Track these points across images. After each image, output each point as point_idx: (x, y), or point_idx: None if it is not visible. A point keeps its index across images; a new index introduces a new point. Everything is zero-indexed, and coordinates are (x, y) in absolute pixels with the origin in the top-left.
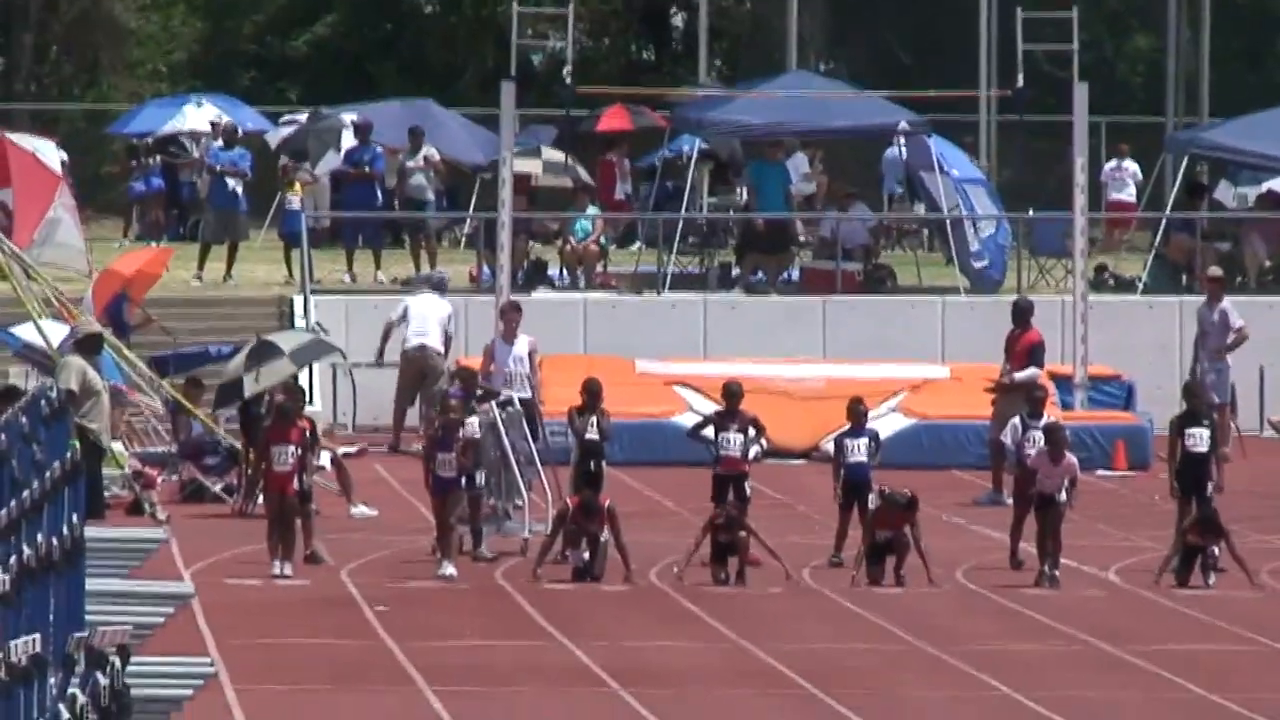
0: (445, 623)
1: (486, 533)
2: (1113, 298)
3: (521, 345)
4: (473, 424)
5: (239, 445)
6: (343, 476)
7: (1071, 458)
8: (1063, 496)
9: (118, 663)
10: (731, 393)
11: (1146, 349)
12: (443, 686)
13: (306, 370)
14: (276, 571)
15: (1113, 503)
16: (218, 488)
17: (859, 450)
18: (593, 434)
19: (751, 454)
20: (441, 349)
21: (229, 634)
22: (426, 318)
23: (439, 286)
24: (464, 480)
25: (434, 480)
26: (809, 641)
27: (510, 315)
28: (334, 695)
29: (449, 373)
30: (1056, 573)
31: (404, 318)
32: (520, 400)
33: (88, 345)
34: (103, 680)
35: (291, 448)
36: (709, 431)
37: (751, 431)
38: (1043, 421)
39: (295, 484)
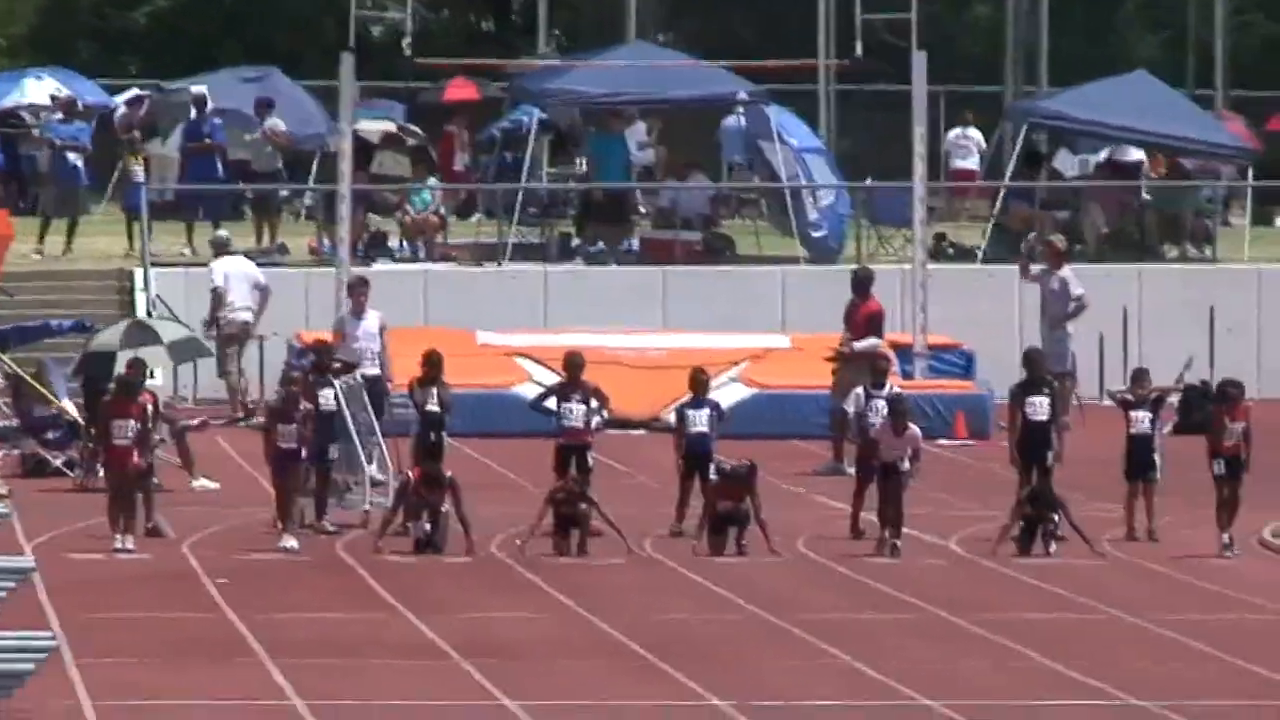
0: (287, 596)
1: (328, 505)
2: (952, 267)
3: (372, 321)
4: (327, 396)
5: (80, 420)
6: (184, 449)
7: (915, 429)
8: (905, 466)
9: None
10: (573, 364)
11: (986, 318)
12: (287, 659)
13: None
14: (118, 545)
15: (954, 472)
16: (59, 462)
17: (700, 421)
18: (433, 405)
19: (594, 424)
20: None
21: (71, 608)
22: (243, 284)
23: (224, 247)
24: (305, 453)
25: (274, 452)
26: (652, 613)
27: (359, 290)
28: (177, 669)
29: (295, 347)
30: (898, 542)
31: (225, 286)
32: (368, 376)
33: None
34: None
35: (132, 422)
36: (551, 402)
37: (594, 402)
38: (886, 391)
39: (136, 458)
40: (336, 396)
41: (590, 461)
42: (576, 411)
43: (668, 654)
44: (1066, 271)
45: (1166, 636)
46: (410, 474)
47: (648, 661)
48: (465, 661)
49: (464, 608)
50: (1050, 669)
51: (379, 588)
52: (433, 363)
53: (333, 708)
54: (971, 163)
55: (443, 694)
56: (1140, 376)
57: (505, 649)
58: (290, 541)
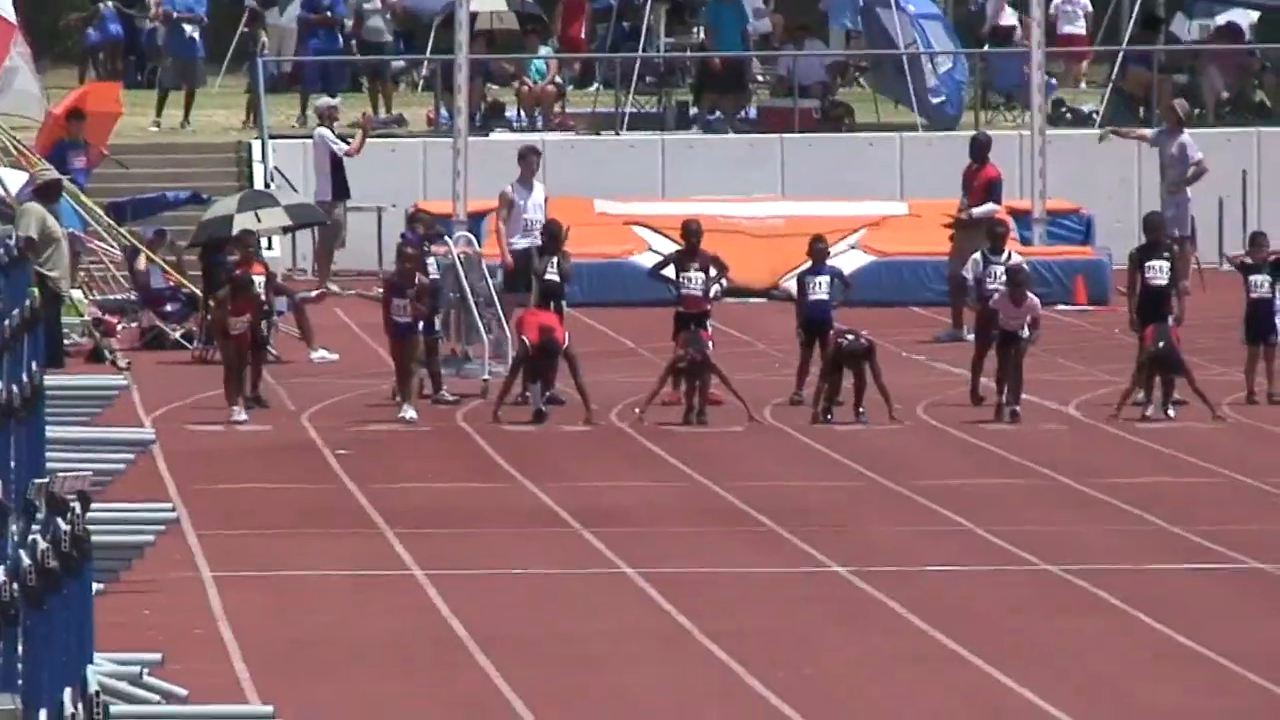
0: (406, 466)
1: (446, 375)
2: (1070, 132)
3: (539, 193)
4: (430, 267)
5: (199, 291)
6: (303, 321)
7: (1034, 298)
8: (1025, 333)
9: (78, 509)
10: (692, 231)
11: (1104, 183)
12: (405, 529)
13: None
14: (236, 418)
15: (1073, 337)
16: (177, 334)
17: (820, 288)
18: (552, 274)
19: (712, 293)
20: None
21: (190, 479)
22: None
23: (327, 115)
24: (421, 325)
25: (391, 325)
26: (770, 479)
27: (529, 159)
28: (296, 539)
29: (407, 215)
30: (1017, 408)
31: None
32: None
33: (47, 192)
34: (64, 526)
35: (247, 316)
36: (670, 271)
37: (713, 270)
38: (1004, 257)
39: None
40: (439, 266)
41: (709, 329)
42: (695, 280)
43: (787, 520)
44: (1185, 136)
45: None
46: (528, 342)
47: (766, 528)
48: (584, 529)
49: (582, 476)
50: (1170, 532)
51: (497, 457)
52: (552, 233)
53: (451, 576)
54: (1079, 27)
55: (561, 561)
56: (1259, 240)
57: (623, 516)
58: (410, 412)
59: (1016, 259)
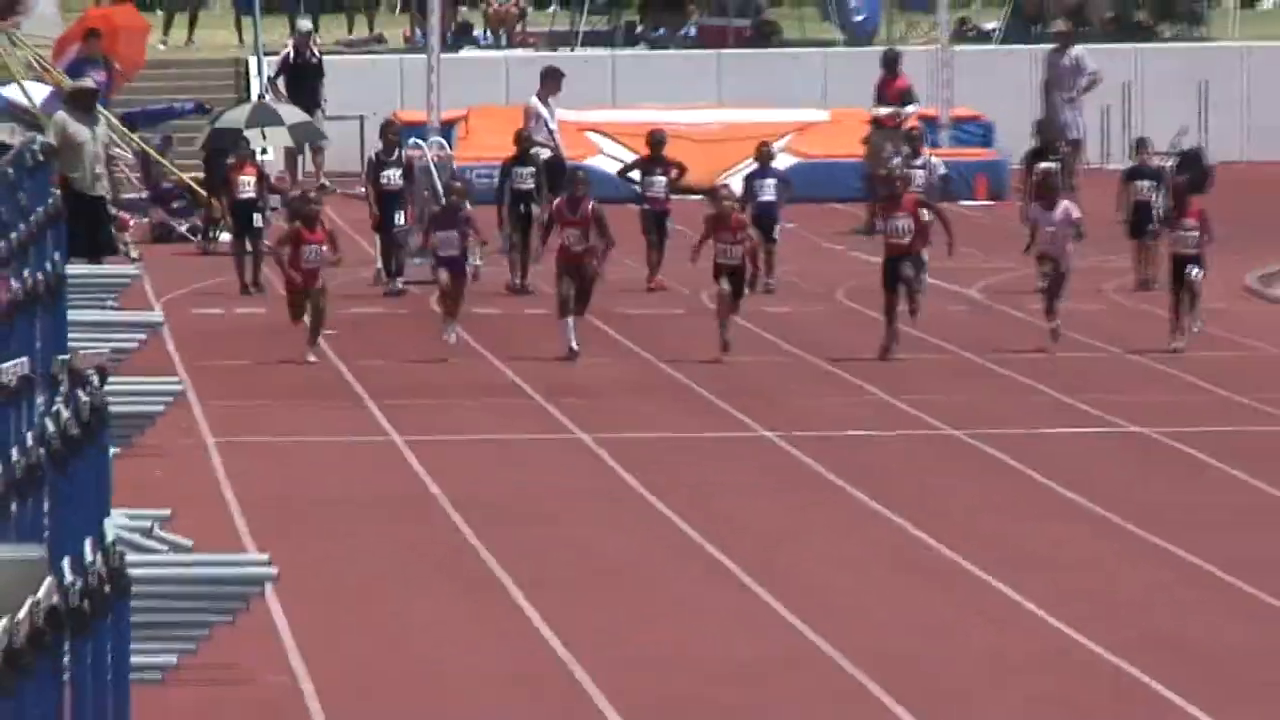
0: (387, 345)
1: (421, 264)
2: (973, 48)
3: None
4: (390, 175)
5: (201, 191)
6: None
7: (1066, 203)
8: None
9: (97, 382)
10: (656, 141)
11: (1003, 93)
12: (386, 400)
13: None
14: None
15: (974, 228)
16: (183, 228)
17: (767, 190)
18: (526, 183)
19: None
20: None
21: (195, 357)
22: None
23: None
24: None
25: (436, 259)
26: (708, 354)
27: (554, 80)
28: (289, 409)
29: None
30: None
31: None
32: (549, 159)
33: (79, 99)
34: (84, 398)
35: (320, 246)
36: (636, 174)
37: (674, 173)
38: (920, 160)
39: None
40: (417, 168)
41: (669, 227)
42: (658, 183)
43: (725, 393)
44: (1078, 50)
45: (1161, 370)
46: (554, 203)
47: (709, 400)
48: (545, 401)
49: (544, 354)
50: (1061, 401)
51: (469, 338)
52: (523, 141)
53: (427, 442)
54: None
55: (524, 429)
56: (1142, 144)
57: (581, 390)
58: (452, 335)
59: (934, 161)
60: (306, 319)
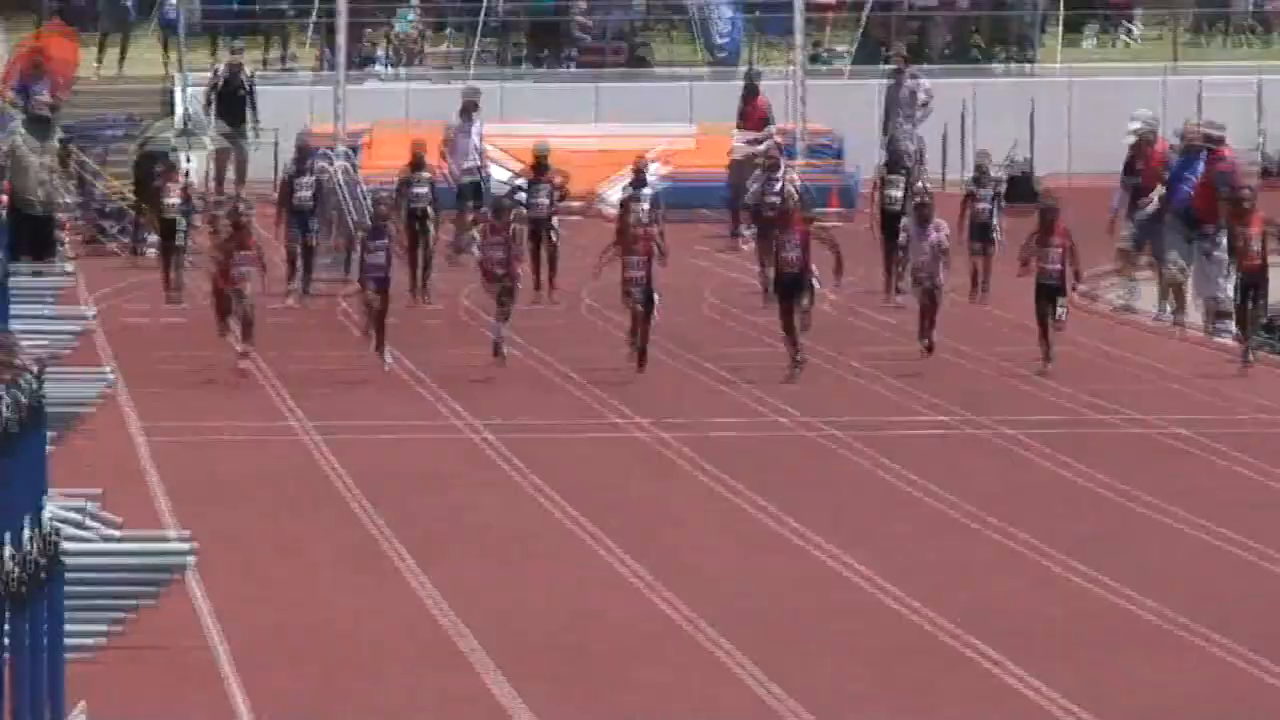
0: (292, 340)
1: (330, 265)
2: (825, 71)
3: (478, 127)
4: (302, 185)
5: (133, 198)
6: (213, 221)
7: (939, 221)
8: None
9: (36, 372)
10: (541, 151)
11: (853, 113)
12: (292, 387)
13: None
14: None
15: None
16: (115, 232)
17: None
18: (420, 188)
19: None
20: None
21: (124, 351)
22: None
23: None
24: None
25: (364, 277)
26: (582, 351)
27: (472, 100)
28: (206, 398)
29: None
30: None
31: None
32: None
33: (36, 123)
34: (24, 387)
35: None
36: (521, 181)
37: (559, 180)
38: (779, 174)
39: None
40: (323, 183)
41: (554, 235)
42: (542, 192)
43: (599, 384)
44: (915, 75)
45: (1005, 368)
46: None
47: (583, 389)
48: (439, 390)
49: (436, 349)
50: (906, 391)
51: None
52: (418, 155)
53: (330, 427)
54: None
55: (416, 415)
56: (981, 158)
57: (466, 380)
58: (389, 358)
59: (792, 176)
60: (234, 325)
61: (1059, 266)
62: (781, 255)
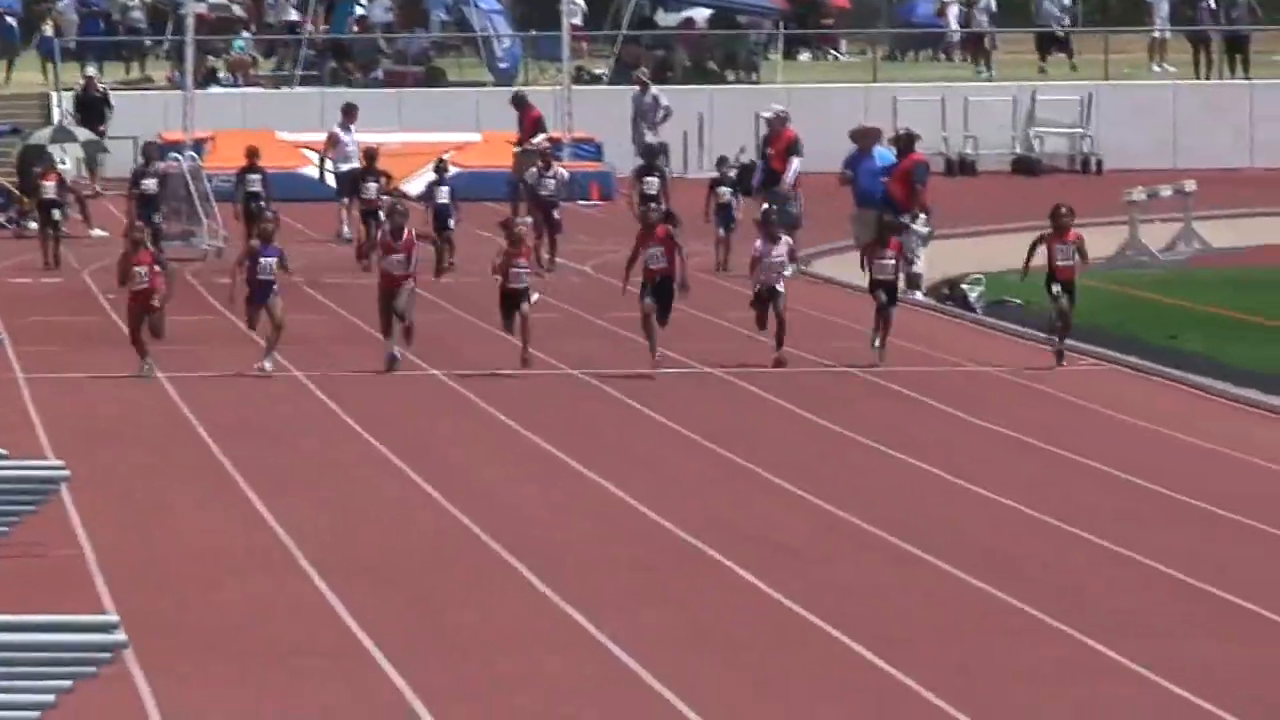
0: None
1: (178, 246)
2: (589, 88)
3: (353, 134)
4: (149, 185)
5: (14, 189)
6: (84, 210)
7: (786, 237)
8: (787, 271)
9: None
10: (370, 154)
11: (610, 121)
12: (158, 346)
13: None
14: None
15: (588, 221)
16: (1, 219)
17: (443, 194)
18: (254, 186)
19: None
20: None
21: (10, 314)
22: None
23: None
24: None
25: (248, 276)
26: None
27: (351, 111)
28: (81, 352)
29: (142, 147)
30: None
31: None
32: (354, 169)
33: None
34: None
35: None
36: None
37: (384, 180)
38: (551, 171)
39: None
40: (174, 176)
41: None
42: (372, 188)
43: (423, 353)
44: (655, 90)
45: (731, 330)
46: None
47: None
48: (278, 350)
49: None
50: (672, 357)
51: (213, 300)
52: (252, 154)
53: (185, 378)
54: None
55: (270, 384)
56: (722, 161)
57: (306, 342)
58: (269, 363)
59: (563, 173)
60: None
61: (891, 277)
62: (648, 268)
